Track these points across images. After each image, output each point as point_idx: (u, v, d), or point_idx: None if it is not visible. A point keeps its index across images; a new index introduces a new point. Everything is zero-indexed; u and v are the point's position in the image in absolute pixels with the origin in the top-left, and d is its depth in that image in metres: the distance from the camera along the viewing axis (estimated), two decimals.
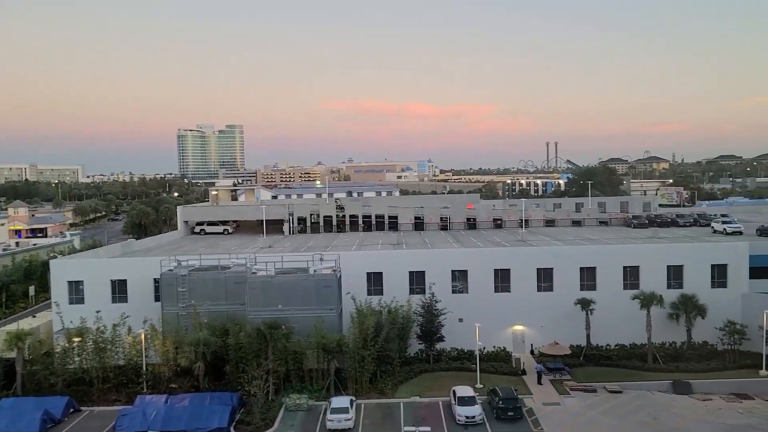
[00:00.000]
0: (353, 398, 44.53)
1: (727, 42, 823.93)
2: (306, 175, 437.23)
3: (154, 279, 53.87)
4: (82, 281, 55.88)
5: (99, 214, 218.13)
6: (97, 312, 50.90)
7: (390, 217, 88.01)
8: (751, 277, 56.47)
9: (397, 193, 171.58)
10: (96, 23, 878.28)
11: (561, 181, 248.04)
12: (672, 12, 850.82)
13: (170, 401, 43.56)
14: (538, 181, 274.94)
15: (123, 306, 53.75)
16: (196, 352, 45.94)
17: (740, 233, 69.17)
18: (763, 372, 49.27)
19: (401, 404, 44.97)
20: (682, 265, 57.00)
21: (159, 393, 45.62)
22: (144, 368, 48.55)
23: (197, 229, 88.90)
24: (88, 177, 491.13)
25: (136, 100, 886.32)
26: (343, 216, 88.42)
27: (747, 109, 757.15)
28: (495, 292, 56.85)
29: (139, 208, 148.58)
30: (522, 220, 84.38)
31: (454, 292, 56.53)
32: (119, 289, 55.75)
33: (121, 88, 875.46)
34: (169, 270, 52.38)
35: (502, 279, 57.01)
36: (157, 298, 53.31)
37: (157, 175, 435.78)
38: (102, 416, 44.22)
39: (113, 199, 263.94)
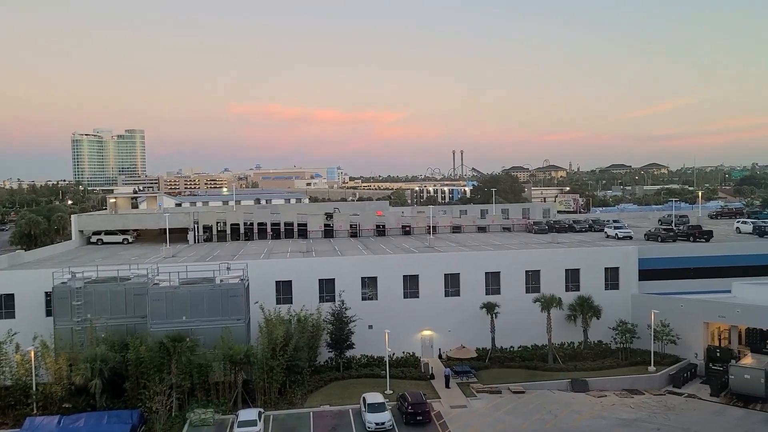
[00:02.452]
0: (262, 410, 43.61)
1: (612, 58, 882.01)
2: (212, 182, 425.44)
3: (46, 292, 50.62)
4: None
5: None
6: None
7: (299, 225, 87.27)
8: (640, 279, 60.39)
9: (307, 200, 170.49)
10: None
11: (467, 189, 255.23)
12: (565, 32, 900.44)
13: (63, 422, 40.90)
14: (445, 189, 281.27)
15: (10, 322, 49.90)
16: (93, 368, 43.41)
17: (630, 238, 73.84)
18: (651, 368, 52.68)
19: (311, 414, 44.51)
20: (578, 269, 60.10)
21: (51, 414, 42.71)
22: (34, 388, 45.33)
23: (94, 238, 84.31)
24: None
25: (25, 100, 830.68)
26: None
27: (629, 121, 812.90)
28: (404, 298, 57.58)
29: (29, 216, 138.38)
30: (430, 226, 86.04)
31: (363, 299, 56.74)
32: (6, 304, 52.00)
33: (7, 86, 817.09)
34: (63, 282, 49.32)
35: (411, 285, 57.84)
36: (49, 313, 50.08)
37: (49, 182, 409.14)
38: None
39: None
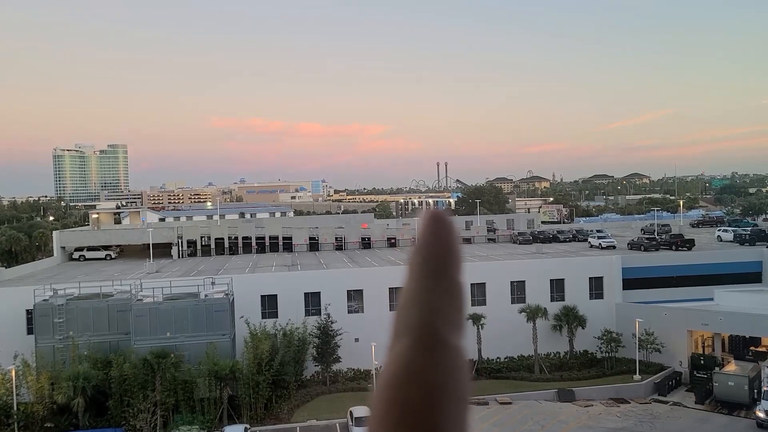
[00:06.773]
0: (247, 426, 43.25)
1: (593, 71, 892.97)
2: (196, 197, 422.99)
3: (27, 310, 49.89)
4: None
5: None
6: None
7: (284, 238, 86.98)
8: (624, 288, 60.83)
9: (292, 214, 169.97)
10: None
11: (451, 200, 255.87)
12: (547, 45, 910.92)
13: None
14: (430, 200, 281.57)
15: None
16: (75, 387, 42.80)
17: (614, 247, 74.39)
18: (636, 377, 52.98)
19: (297, 429, 44.25)
20: (563, 279, 60.45)
21: None
22: (15, 408, 44.57)
23: (76, 255, 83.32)
24: None
25: (4, 115, 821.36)
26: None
27: (611, 132, 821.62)
28: (390, 310, 57.43)
29: (9, 233, 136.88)
30: (415, 238, 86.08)
31: (349, 312, 56.59)
32: None
33: None
34: (44, 300, 48.68)
35: (397, 297, 57.55)
36: (30, 331, 49.33)
37: (30, 198, 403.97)
38: None
39: None
